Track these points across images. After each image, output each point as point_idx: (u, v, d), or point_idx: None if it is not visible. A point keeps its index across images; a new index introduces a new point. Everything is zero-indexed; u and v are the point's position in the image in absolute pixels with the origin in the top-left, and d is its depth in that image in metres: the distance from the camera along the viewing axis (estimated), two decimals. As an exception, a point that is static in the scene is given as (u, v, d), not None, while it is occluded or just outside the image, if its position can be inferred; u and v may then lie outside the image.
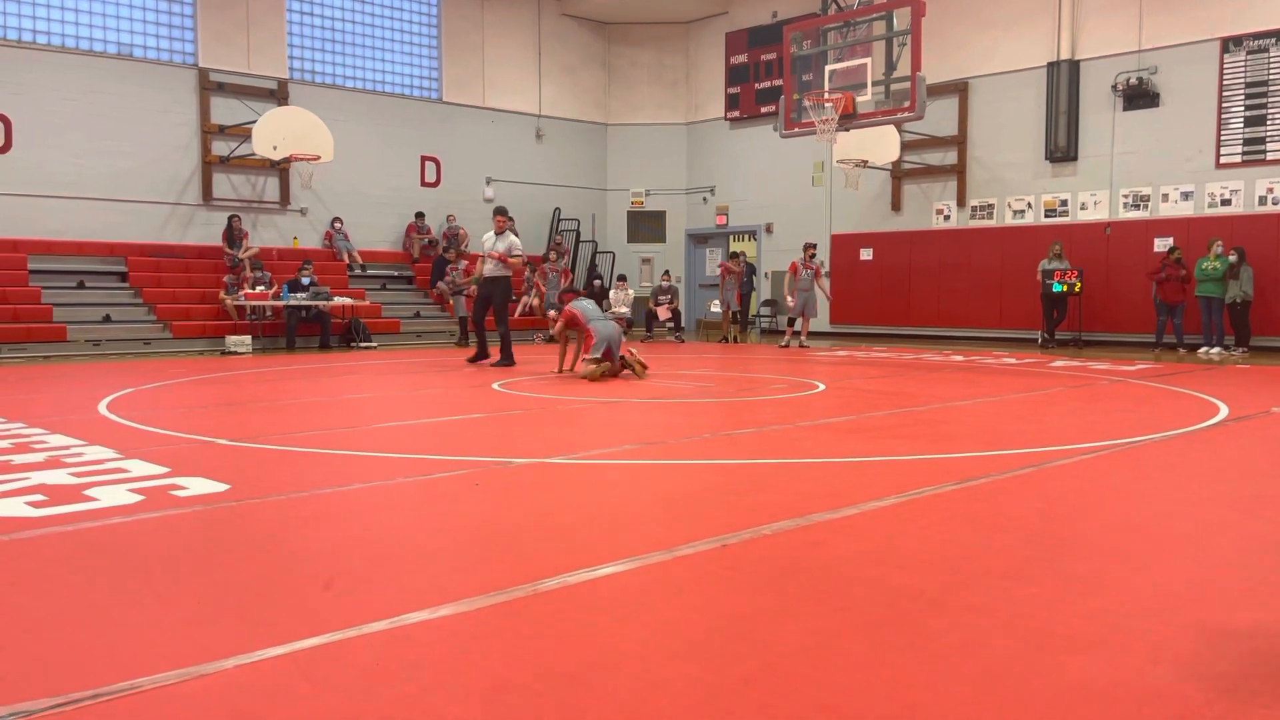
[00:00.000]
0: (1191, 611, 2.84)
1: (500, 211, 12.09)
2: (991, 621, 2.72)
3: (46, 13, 15.58)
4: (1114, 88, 15.84)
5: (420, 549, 3.58)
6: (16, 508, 4.14)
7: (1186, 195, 15.39)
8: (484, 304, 12.04)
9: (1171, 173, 15.49)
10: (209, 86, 16.87)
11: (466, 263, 16.84)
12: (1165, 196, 15.60)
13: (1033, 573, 3.21)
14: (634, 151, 22.53)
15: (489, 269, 11.84)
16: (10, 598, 2.98)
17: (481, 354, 12.23)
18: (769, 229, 20.85)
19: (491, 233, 12.01)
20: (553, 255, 18.70)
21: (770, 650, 2.52)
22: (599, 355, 9.76)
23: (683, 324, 19.34)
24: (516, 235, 12.23)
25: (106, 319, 14.91)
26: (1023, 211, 17.13)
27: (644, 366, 10.13)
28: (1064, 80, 16.29)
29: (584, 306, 10.47)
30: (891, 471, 5.05)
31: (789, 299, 16.40)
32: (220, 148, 16.97)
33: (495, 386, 9.35)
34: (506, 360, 11.71)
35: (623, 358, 10.04)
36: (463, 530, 3.87)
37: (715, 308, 19.31)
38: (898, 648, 2.53)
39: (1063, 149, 16.40)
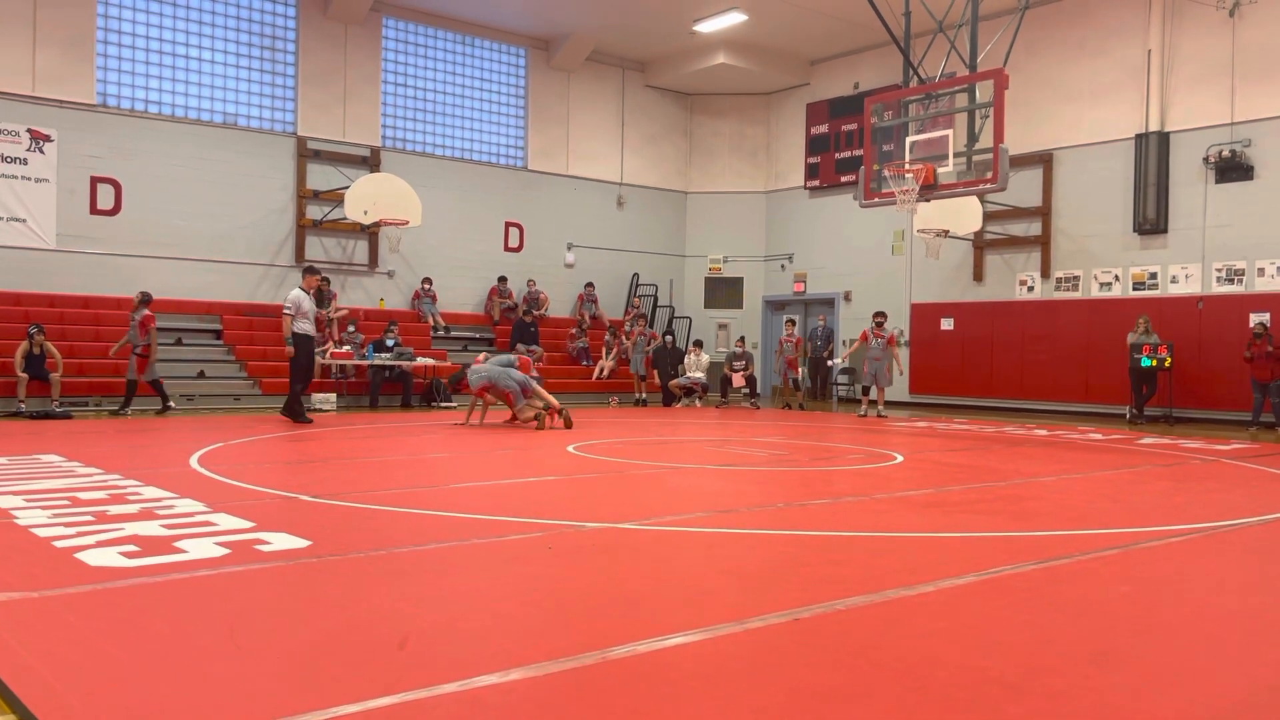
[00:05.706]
0: (1288, 708, 2.72)
1: (314, 271, 12.83)
2: (1072, 709, 2.64)
3: (159, 84, 16.51)
4: (1205, 160, 15.53)
5: (493, 611, 3.61)
6: (110, 558, 4.30)
7: (1284, 269, 14.94)
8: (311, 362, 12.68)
9: (1268, 246, 15.05)
10: (306, 154, 17.61)
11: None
12: (1261, 271, 15.14)
13: (1117, 659, 3.11)
14: (713, 219, 22.74)
15: (309, 327, 12.36)
16: (100, 645, 3.09)
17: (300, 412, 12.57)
18: (848, 297, 20.75)
19: (302, 291, 12.32)
20: (642, 322, 19.18)
21: (841, 729, 2.48)
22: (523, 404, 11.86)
23: (758, 390, 19.27)
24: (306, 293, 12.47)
25: (201, 375, 15.46)
26: (1109, 284, 16.77)
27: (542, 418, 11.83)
28: (1153, 152, 16.03)
29: (489, 373, 12.05)
30: (970, 548, 4.94)
31: (864, 366, 16.34)
32: (314, 212, 17.64)
33: (570, 449, 9.42)
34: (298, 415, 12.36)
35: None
36: (534, 594, 3.90)
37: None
38: (973, 733, 2.47)
39: (1152, 221, 16.07)
